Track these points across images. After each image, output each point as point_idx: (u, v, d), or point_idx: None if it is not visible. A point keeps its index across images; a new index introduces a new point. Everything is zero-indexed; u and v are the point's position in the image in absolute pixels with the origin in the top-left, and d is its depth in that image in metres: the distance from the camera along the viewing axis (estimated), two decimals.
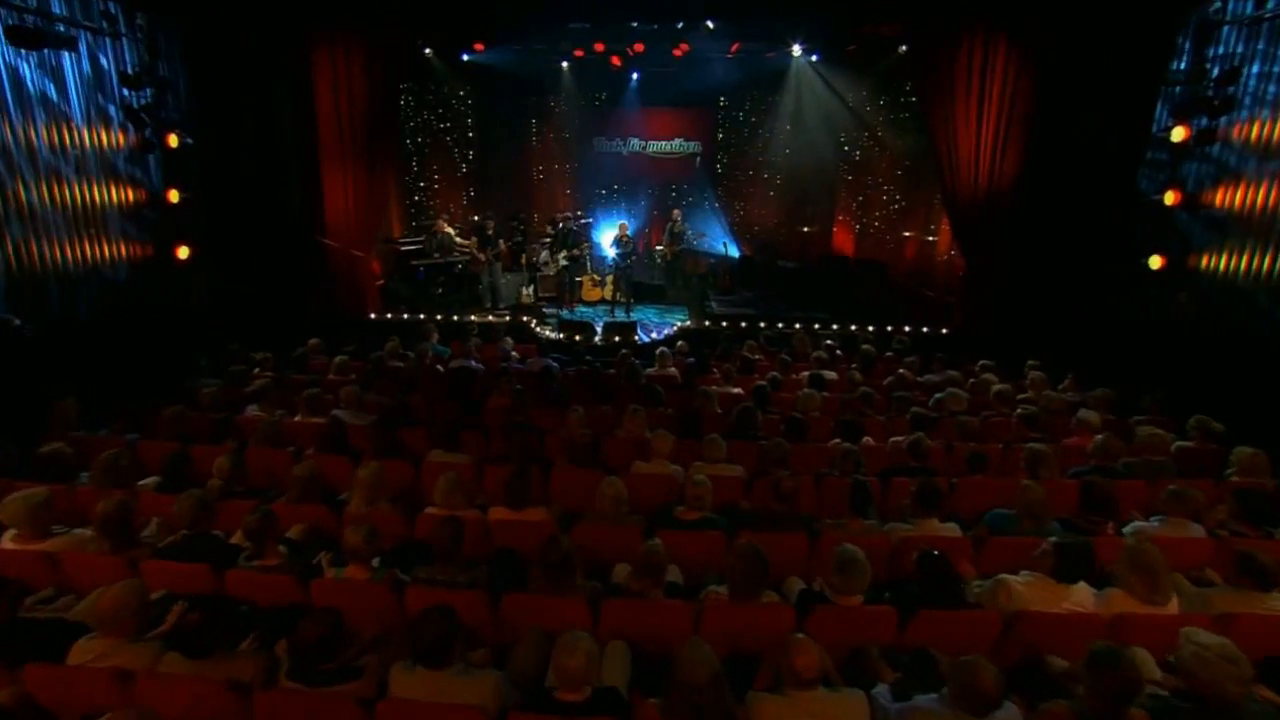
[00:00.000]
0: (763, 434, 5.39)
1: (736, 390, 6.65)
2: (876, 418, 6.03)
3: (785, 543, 3.88)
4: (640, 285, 11.08)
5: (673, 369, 7.28)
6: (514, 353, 7.70)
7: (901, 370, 7.02)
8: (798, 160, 12.57)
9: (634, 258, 10.11)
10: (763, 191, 13.28)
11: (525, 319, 9.58)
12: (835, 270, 11.21)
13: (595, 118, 13.04)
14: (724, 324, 9.37)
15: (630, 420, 5.45)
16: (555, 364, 7.39)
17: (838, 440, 5.50)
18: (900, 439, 5.38)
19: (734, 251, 12.07)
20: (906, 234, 11.65)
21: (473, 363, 7.42)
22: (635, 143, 13.25)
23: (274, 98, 8.55)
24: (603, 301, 10.81)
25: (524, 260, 10.83)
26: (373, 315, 9.40)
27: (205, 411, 5.60)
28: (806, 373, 6.88)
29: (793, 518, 3.98)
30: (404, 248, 10.89)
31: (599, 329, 9.09)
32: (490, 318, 9.53)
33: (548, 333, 9.28)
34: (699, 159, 13.28)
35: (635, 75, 12.30)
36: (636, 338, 8.98)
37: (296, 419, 5.65)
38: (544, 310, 10.30)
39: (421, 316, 9.23)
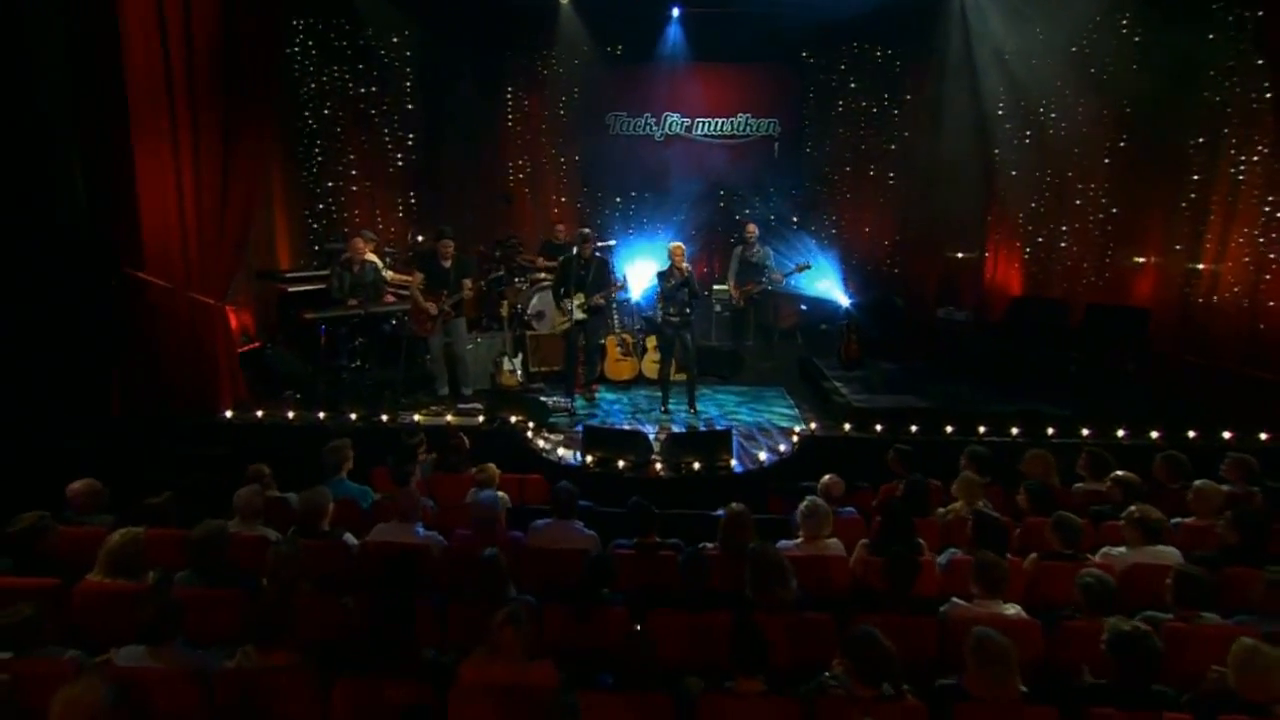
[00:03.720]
0: None
1: (1010, 610, 4.16)
2: None
3: None
4: (703, 352, 9.15)
5: (833, 539, 5.02)
6: (501, 494, 5.57)
7: None
8: (929, 146, 11.49)
9: (694, 305, 8.12)
10: (872, 195, 12.28)
11: (514, 420, 7.41)
12: (1044, 325, 9.50)
13: (611, 81, 12.20)
14: (879, 427, 7.29)
15: None
16: (591, 532, 5.05)
17: None
18: None
19: (843, 293, 10.66)
20: (1139, 260, 9.82)
21: (420, 530, 5.06)
22: (675, 121, 12.27)
23: (28, 15, 7.06)
24: (640, 380, 9.28)
25: (505, 310, 8.91)
26: (230, 414, 7.66)
27: None
28: (1115, 551, 4.80)
29: None
30: (295, 288, 9.39)
31: (654, 441, 6.93)
32: (449, 418, 7.45)
33: (561, 450, 7.10)
34: (777, 145, 12.32)
35: (676, 10, 11.48)
36: (730, 461, 6.71)
37: None
38: (543, 400, 8.32)
39: (322, 416, 7.40)
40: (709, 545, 4.95)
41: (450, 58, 11.61)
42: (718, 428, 7.44)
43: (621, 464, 6.54)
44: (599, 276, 8.23)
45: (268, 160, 8.52)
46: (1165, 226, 9.51)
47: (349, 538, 4.91)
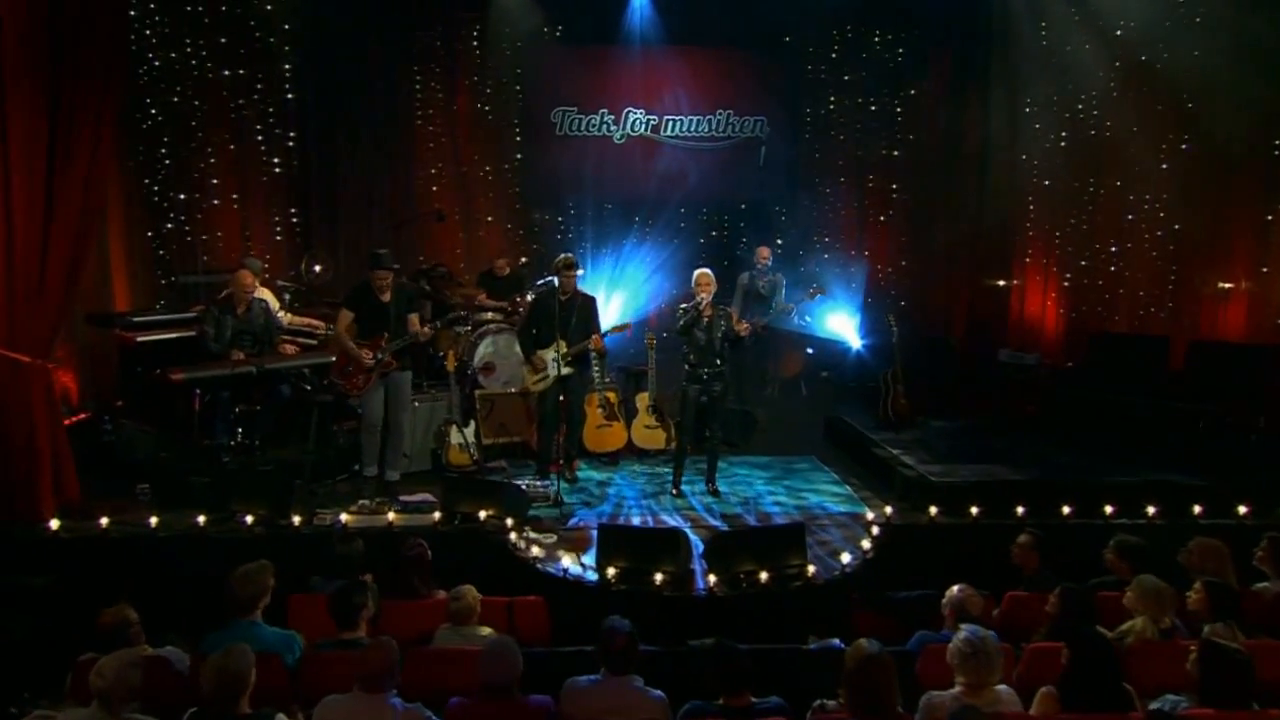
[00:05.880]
0: None
1: None
2: None
3: None
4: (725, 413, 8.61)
5: (1003, 686, 4.43)
6: (485, 630, 5.07)
7: None
8: (941, 151, 11.89)
9: (726, 352, 7.73)
10: (872, 210, 12.56)
11: (484, 516, 6.71)
12: (1136, 369, 9.29)
13: (558, 69, 12.17)
14: (974, 510, 6.84)
15: None
16: (659, 694, 4.38)
17: None
18: None
19: (858, 334, 10.72)
20: (1225, 285, 9.82)
21: (396, 703, 4.18)
22: (639, 119, 12.27)
23: None
24: (628, 451, 8.91)
25: (450, 363, 8.36)
26: (56, 524, 6.74)
27: None
28: None
29: None
30: (146, 336, 8.68)
31: (696, 548, 6.33)
32: (391, 515, 6.70)
33: (565, 558, 6.35)
34: (764, 149, 12.32)
35: None
36: (808, 568, 6.07)
37: None
38: (513, 484, 7.61)
39: (202, 521, 6.59)
40: (828, 704, 4.37)
41: (344, 34, 11.23)
42: (775, 519, 6.82)
43: (659, 578, 5.70)
44: (584, 318, 7.70)
45: (104, 162, 7.59)
46: (1251, 245, 9.51)
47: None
